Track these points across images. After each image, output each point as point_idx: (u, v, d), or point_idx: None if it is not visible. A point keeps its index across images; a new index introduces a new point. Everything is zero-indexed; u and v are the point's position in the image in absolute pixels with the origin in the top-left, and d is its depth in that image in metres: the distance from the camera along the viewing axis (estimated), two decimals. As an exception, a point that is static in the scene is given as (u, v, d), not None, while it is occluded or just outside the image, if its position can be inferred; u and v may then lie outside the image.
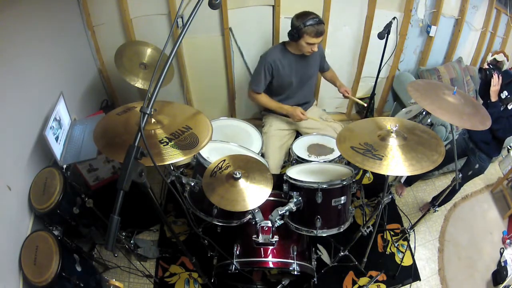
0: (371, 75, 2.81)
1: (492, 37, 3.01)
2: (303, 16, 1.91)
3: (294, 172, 1.73)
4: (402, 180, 2.59)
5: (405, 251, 2.19)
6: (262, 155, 2.02)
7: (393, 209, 2.52)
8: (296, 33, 1.93)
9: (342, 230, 1.64)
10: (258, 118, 2.60)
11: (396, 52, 2.78)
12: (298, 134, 2.35)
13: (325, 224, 1.60)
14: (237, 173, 1.39)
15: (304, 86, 2.24)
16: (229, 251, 1.68)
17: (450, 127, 1.92)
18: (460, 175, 2.10)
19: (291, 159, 2.01)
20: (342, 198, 1.59)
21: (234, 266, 1.63)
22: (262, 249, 1.67)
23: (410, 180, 2.58)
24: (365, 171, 2.49)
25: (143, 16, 2.45)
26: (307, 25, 1.88)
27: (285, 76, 2.12)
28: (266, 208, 1.66)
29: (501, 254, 2.26)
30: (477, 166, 2.06)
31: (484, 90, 1.99)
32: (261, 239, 1.56)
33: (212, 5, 0.85)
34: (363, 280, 2.12)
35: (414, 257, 2.25)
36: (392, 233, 2.37)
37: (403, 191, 2.64)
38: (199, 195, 1.58)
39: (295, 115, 2.10)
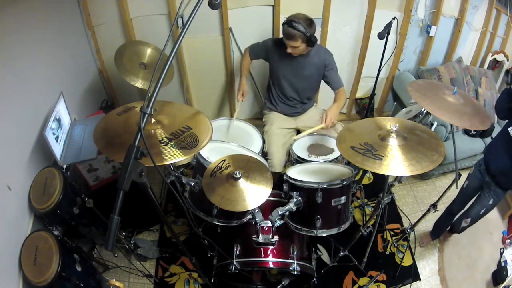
0: (371, 75, 2.80)
1: (492, 37, 3.01)
2: (291, 16, 1.92)
3: (294, 172, 1.73)
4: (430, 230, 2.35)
5: (405, 251, 2.19)
6: (263, 155, 2.02)
7: (393, 209, 2.52)
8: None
9: (342, 230, 1.64)
10: (258, 118, 2.61)
11: (396, 52, 2.78)
12: (298, 134, 2.35)
13: (325, 224, 1.60)
14: (237, 173, 1.39)
15: (299, 85, 2.22)
16: (229, 251, 1.68)
17: (450, 127, 1.92)
18: (469, 219, 1.95)
19: (291, 159, 2.01)
20: (342, 198, 1.59)
21: (234, 266, 1.63)
22: (262, 249, 1.67)
23: (438, 231, 2.29)
24: (365, 171, 2.49)
25: (143, 16, 2.45)
26: (282, 24, 1.93)
27: (274, 65, 2.18)
28: (266, 208, 1.66)
29: (501, 254, 2.25)
30: (491, 201, 1.84)
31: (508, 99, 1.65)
32: (261, 239, 1.56)
33: (212, 5, 0.85)
34: (363, 280, 2.12)
35: (414, 257, 2.25)
36: (392, 233, 2.37)
37: (427, 242, 2.34)
38: (199, 195, 1.58)
39: (238, 90, 2.28)
